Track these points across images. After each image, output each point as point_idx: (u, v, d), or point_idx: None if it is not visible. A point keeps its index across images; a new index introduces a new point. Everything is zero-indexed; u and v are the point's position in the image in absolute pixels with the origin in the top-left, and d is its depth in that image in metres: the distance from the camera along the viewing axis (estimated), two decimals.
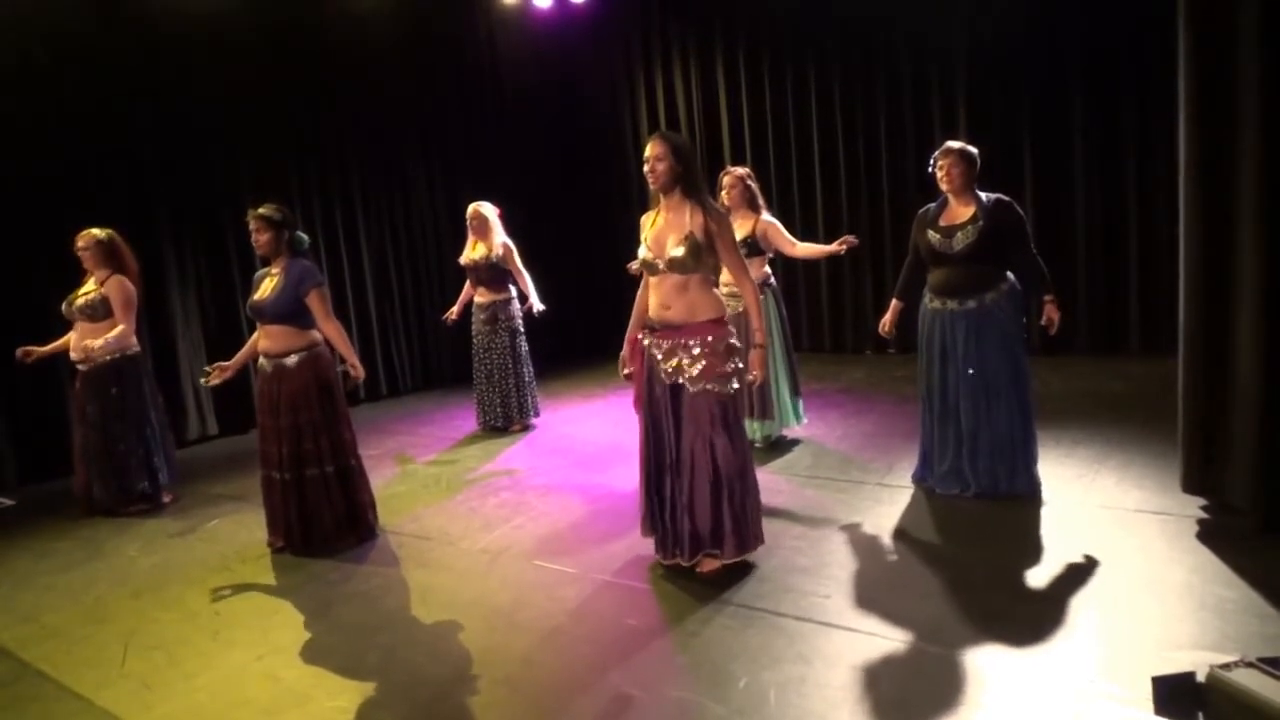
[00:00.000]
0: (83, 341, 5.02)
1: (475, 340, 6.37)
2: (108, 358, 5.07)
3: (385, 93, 8.19)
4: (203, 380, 4.41)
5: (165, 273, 6.90)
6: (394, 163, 8.35)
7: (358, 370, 4.32)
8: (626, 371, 3.76)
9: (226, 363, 4.40)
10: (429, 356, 8.67)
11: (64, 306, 5.16)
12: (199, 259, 7.16)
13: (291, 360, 4.23)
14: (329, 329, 4.31)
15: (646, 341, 3.61)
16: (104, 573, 4.34)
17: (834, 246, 5.04)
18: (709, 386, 3.44)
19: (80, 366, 5.12)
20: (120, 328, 5.06)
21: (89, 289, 5.12)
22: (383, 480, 5.39)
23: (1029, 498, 4.10)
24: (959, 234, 4.01)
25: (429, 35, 8.47)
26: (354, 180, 8.08)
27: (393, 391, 8.33)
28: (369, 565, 4.15)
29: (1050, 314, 4.07)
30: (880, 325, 4.51)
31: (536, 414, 6.54)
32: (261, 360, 4.32)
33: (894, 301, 4.49)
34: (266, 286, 4.27)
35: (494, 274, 6.21)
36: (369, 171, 8.17)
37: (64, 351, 5.25)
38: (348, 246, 8.04)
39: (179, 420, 6.88)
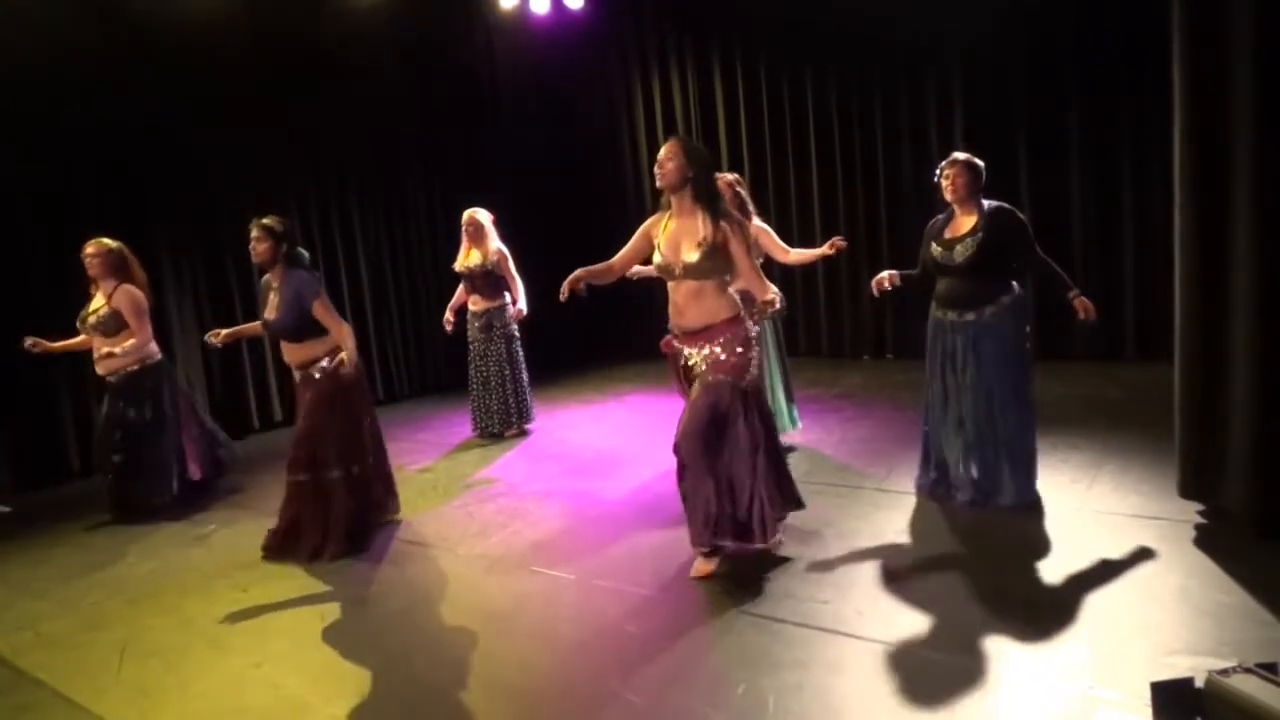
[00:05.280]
0: (102, 354, 5.07)
1: (471, 347, 6.36)
2: (133, 366, 5.17)
3: (382, 100, 8.19)
4: (208, 338, 4.75)
5: (162, 280, 6.87)
6: (391, 169, 8.34)
7: (347, 360, 4.27)
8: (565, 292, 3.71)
9: (230, 329, 4.81)
10: (425, 362, 8.66)
11: (78, 323, 5.24)
12: (195, 266, 7.15)
13: (316, 370, 4.34)
14: (339, 333, 4.33)
15: (676, 343, 3.72)
16: (101, 580, 4.33)
17: (824, 249, 5.03)
18: (720, 377, 3.56)
19: (110, 379, 5.19)
20: (136, 338, 5.12)
21: (98, 304, 5.15)
22: None
23: (1027, 507, 4.09)
24: (958, 246, 3.98)
25: (427, 42, 8.47)
26: (351, 186, 8.07)
27: (389, 397, 8.32)
28: (366, 571, 4.13)
29: (1081, 307, 3.93)
30: (874, 283, 4.25)
31: (532, 419, 6.53)
32: (294, 371, 4.46)
33: (896, 271, 4.26)
34: (272, 303, 4.32)
35: (489, 281, 6.19)
36: (366, 178, 8.16)
37: (69, 354, 5.41)
38: (344, 253, 8.04)
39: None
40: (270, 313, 4.32)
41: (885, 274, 4.26)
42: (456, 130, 8.74)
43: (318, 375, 4.33)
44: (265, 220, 4.32)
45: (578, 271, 3.71)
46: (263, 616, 3.74)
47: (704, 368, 3.60)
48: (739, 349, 3.58)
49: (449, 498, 5.16)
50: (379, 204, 8.29)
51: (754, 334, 3.68)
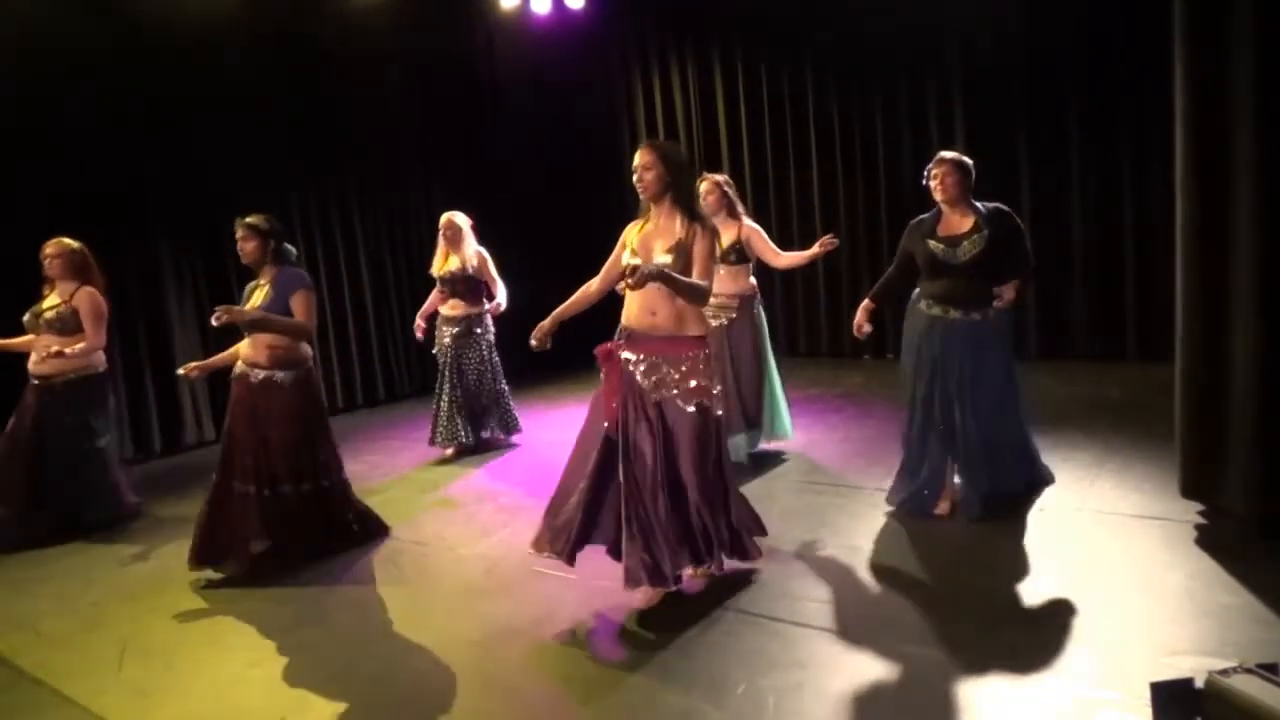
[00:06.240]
0: (51, 351, 4.73)
1: (441, 355, 6.15)
2: (84, 372, 4.91)
3: (383, 100, 8.18)
4: (180, 372, 4.42)
5: (162, 280, 6.89)
6: (391, 170, 8.34)
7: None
8: (535, 342, 3.70)
9: (203, 361, 4.49)
10: (425, 362, 8.63)
11: (27, 318, 4.96)
12: (196, 265, 7.14)
13: (282, 376, 4.15)
14: (305, 326, 4.16)
15: (625, 354, 3.47)
16: (99, 580, 4.33)
17: (815, 250, 5.01)
18: (703, 403, 3.37)
19: (36, 380, 4.87)
20: (88, 341, 4.84)
21: (56, 301, 4.91)
22: (378, 486, 5.38)
23: (1040, 488, 4.14)
24: (964, 244, 3.92)
25: (427, 42, 8.46)
26: (351, 187, 8.07)
27: (390, 397, 8.33)
28: (366, 572, 4.13)
29: (1008, 293, 3.95)
30: (855, 327, 4.32)
31: (518, 429, 6.31)
32: (250, 369, 4.19)
33: (867, 301, 4.32)
34: (257, 298, 4.20)
35: (469, 285, 6.03)
36: (366, 178, 8.16)
37: (26, 353, 4.97)
38: (345, 253, 8.04)
39: (176, 426, 6.91)
40: (255, 305, 4.17)
41: (858, 317, 4.28)
42: (456, 131, 8.73)
43: (279, 379, 4.14)
44: (250, 219, 4.18)
45: (548, 321, 3.67)
46: (262, 617, 3.73)
47: (685, 389, 3.35)
48: (709, 370, 3.41)
49: (448, 498, 5.15)
50: (379, 204, 8.28)
51: (710, 352, 3.49)
